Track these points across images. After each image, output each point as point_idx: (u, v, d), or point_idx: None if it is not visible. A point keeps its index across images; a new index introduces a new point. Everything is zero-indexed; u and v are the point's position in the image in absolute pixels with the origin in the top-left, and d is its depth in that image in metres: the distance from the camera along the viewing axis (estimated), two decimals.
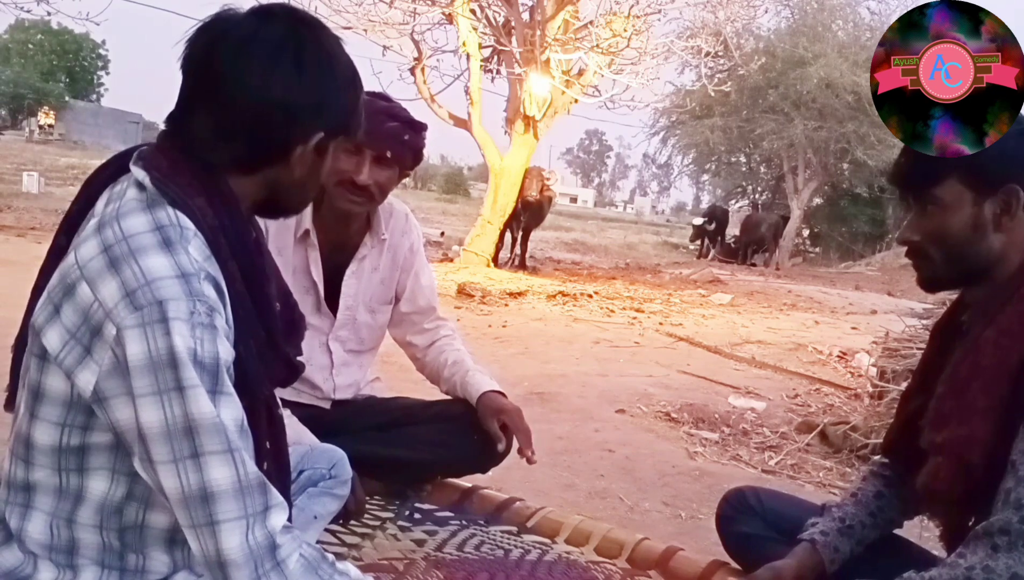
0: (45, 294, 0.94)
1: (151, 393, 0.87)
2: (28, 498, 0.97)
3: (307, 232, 1.77)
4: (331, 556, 0.99)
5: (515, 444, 1.81)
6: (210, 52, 0.98)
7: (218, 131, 0.98)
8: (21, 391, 0.98)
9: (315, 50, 1.00)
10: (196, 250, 0.94)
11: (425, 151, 1.80)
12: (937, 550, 1.43)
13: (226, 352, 0.93)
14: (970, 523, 1.20)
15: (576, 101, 9.74)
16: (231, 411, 0.92)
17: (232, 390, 0.93)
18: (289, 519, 0.98)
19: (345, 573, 0.99)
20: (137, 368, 0.87)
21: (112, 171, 1.03)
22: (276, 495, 0.95)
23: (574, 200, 54.16)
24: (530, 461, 1.78)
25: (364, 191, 1.69)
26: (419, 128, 1.74)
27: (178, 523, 0.93)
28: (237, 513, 0.90)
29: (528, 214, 10.30)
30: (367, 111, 1.64)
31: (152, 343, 0.87)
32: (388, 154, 1.69)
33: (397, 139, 1.69)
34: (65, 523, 0.97)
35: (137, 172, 0.97)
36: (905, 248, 1.30)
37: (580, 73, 9.76)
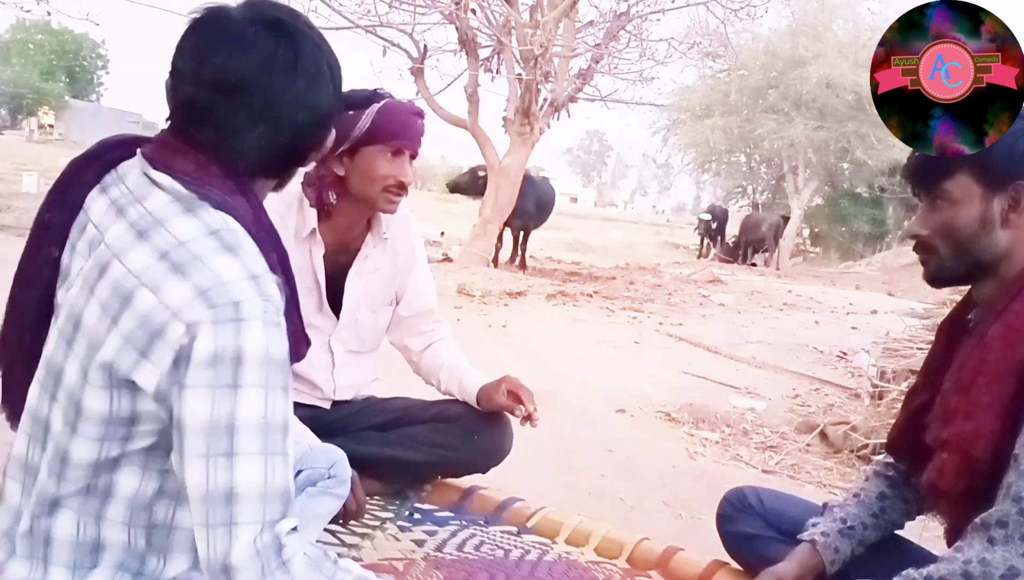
0: (99, 309, 0.92)
1: (204, 386, 0.88)
2: (55, 500, 0.97)
3: (313, 231, 1.77)
4: (333, 554, 1.00)
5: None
6: (237, 66, 0.96)
7: (257, 143, 0.99)
8: (55, 405, 0.97)
9: (332, 60, 1.03)
10: (251, 248, 0.95)
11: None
12: (938, 550, 1.43)
13: (287, 348, 0.95)
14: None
15: (576, 100, 9.75)
16: (285, 408, 0.93)
17: (290, 386, 0.95)
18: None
19: (347, 570, 0.99)
20: (199, 362, 0.87)
21: (93, 175, 1.02)
22: (294, 506, 0.96)
23: (574, 200, 54.10)
24: (533, 422, 1.81)
25: (404, 188, 1.76)
26: (424, 115, 1.81)
27: None
28: (255, 518, 0.90)
29: (526, 216, 10.31)
30: (401, 115, 1.70)
31: (221, 340, 0.88)
32: (419, 150, 1.77)
33: (424, 133, 1.78)
34: (93, 520, 0.97)
35: (161, 178, 0.96)
36: (911, 245, 1.32)
37: (580, 72, 9.77)
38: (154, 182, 0.97)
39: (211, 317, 0.88)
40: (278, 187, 1.11)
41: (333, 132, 1.07)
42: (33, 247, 1.05)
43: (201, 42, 0.97)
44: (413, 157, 1.76)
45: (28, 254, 1.05)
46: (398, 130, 1.70)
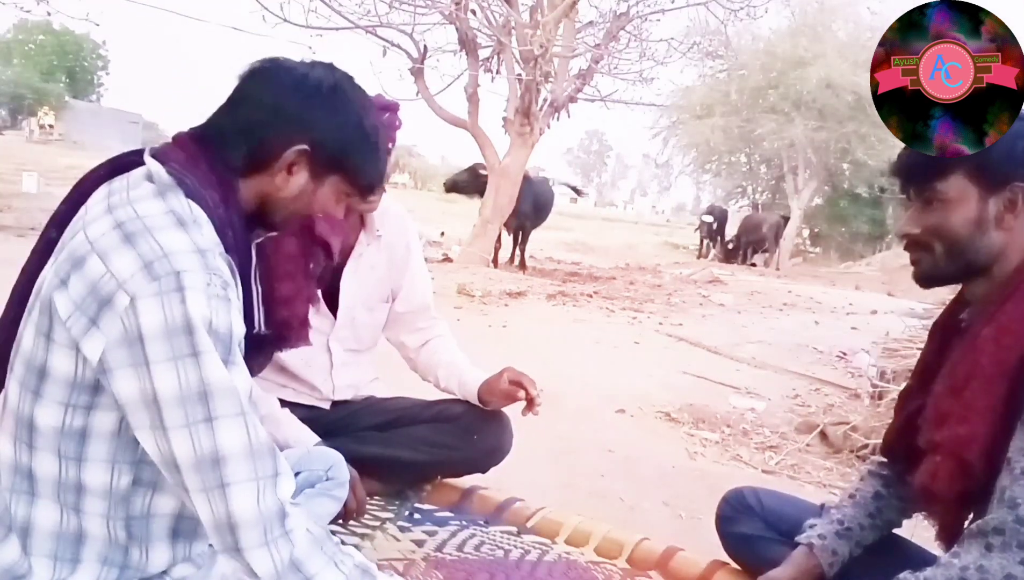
0: (51, 271, 0.96)
1: (166, 359, 0.89)
2: (33, 486, 0.98)
3: None
4: (336, 538, 1.01)
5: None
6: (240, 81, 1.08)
7: (224, 130, 1.05)
8: (11, 376, 0.99)
9: (323, 81, 1.06)
10: (208, 233, 0.97)
11: (407, 135, 1.83)
12: (935, 547, 1.42)
13: (238, 325, 0.96)
14: (967, 522, 1.20)
15: (576, 101, 9.75)
16: (242, 380, 0.94)
17: (242, 362, 0.95)
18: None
19: (349, 555, 1.00)
20: (152, 335, 0.89)
21: (105, 172, 1.06)
22: (284, 462, 0.98)
23: (574, 200, 54.05)
24: (535, 408, 1.81)
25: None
26: (397, 108, 1.77)
27: (183, 510, 0.96)
28: (248, 475, 0.92)
29: (524, 216, 10.28)
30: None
31: (168, 311, 0.89)
32: (390, 146, 1.72)
33: (395, 129, 1.74)
34: (73, 512, 0.98)
35: (152, 164, 1.00)
36: (904, 243, 1.30)
37: (580, 73, 9.77)
38: (148, 172, 1.00)
39: (154, 289, 0.89)
40: (255, 223, 1.11)
41: (305, 146, 1.05)
42: (41, 233, 1.08)
43: None
44: (387, 152, 1.72)
45: (36, 241, 1.08)
46: None
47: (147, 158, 1.02)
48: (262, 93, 1.05)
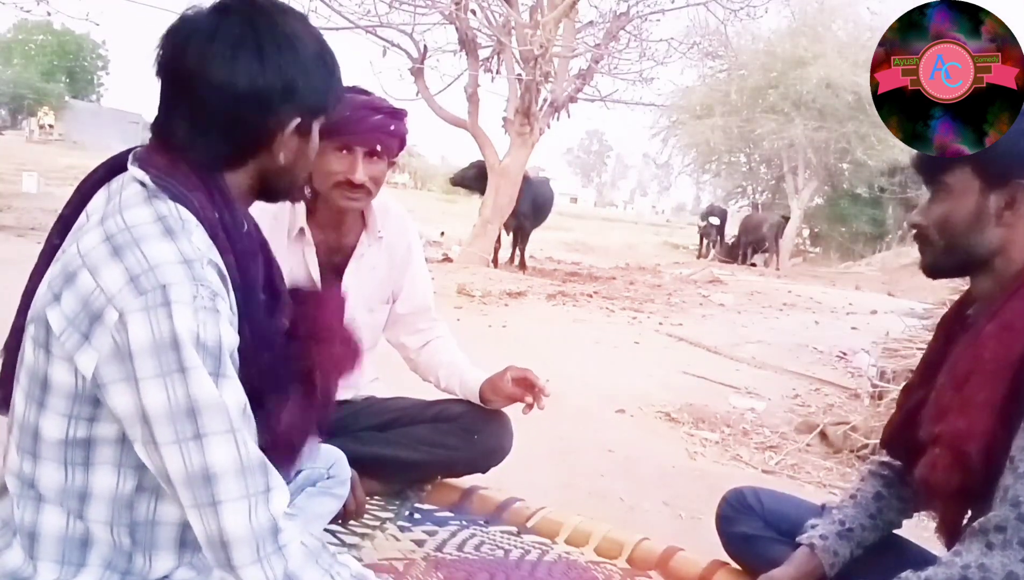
0: (45, 284, 0.95)
1: (154, 375, 0.89)
2: (39, 493, 0.98)
3: (302, 230, 1.77)
4: (332, 548, 1.00)
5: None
6: (177, 55, 1.00)
7: (196, 130, 1.00)
8: (17, 387, 0.99)
9: (274, 34, 1.00)
10: (199, 239, 0.96)
11: (409, 137, 1.80)
12: (934, 547, 1.43)
13: (229, 336, 0.94)
14: (967, 517, 1.21)
15: (576, 101, 9.75)
16: (233, 394, 0.93)
17: (234, 374, 0.95)
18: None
19: (345, 565, 1.00)
20: (140, 351, 0.88)
21: (104, 173, 1.05)
22: (277, 476, 0.97)
23: (574, 200, 54.09)
24: (543, 397, 1.80)
25: (360, 188, 1.71)
26: (401, 116, 1.75)
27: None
28: (239, 493, 0.92)
29: (523, 216, 10.25)
30: (350, 108, 1.64)
31: (155, 326, 0.88)
32: (378, 148, 1.70)
33: (384, 131, 1.70)
34: (78, 518, 0.98)
35: (136, 172, 0.99)
36: (911, 245, 1.32)
37: (580, 73, 9.77)
38: (135, 178, 0.99)
39: (141, 304, 0.89)
40: (263, 196, 1.09)
41: (298, 117, 1.03)
42: (46, 238, 1.07)
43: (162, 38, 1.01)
44: (373, 154, 1.69)
45: (43, 246, 1.07)
46: (342, 125, 1.60)
47: (130, 166, 1.00)
48: (226, 80, 0.97)
